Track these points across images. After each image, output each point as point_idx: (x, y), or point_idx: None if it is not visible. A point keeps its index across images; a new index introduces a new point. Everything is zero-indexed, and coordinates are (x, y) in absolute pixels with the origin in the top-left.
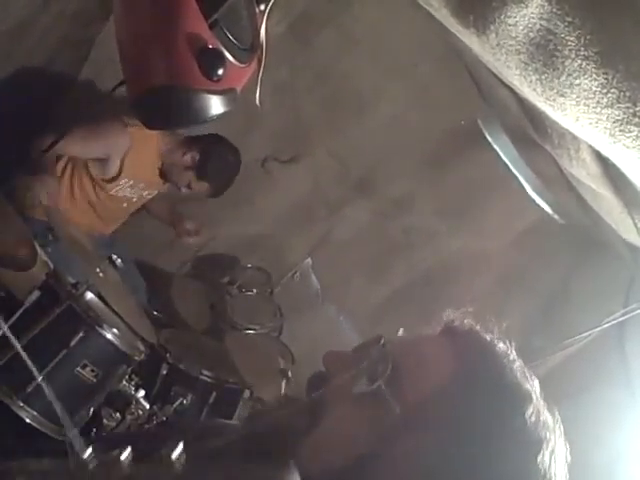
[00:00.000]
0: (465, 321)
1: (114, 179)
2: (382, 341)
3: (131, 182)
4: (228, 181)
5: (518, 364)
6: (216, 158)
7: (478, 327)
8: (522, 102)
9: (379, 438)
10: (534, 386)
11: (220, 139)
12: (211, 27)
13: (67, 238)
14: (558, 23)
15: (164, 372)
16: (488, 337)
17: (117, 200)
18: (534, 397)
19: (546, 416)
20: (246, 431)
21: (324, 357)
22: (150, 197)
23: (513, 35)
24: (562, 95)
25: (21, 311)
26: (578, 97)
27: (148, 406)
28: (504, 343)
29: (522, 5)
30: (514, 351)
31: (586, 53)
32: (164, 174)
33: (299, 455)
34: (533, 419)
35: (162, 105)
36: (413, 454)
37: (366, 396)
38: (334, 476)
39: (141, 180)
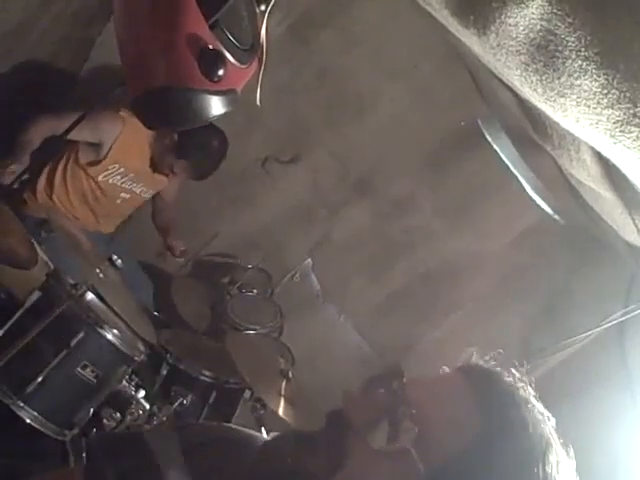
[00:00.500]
0: (485, 363)
1: (102, 161)
2: (403, 380)
3: (121, 170)
4: (211, 163)
5: (538, 408)
6: (195, 138)
7: (498, 369)
8: (522, 102)
9: None
10: (552, 428)
11: (206, 124)
12: (211, 28)
13: (66, 237)
14: (558, 24)
15: (164, 372)
16: (509, 381)
17: (109, 190)
18: (553, 444)
19: (564, 459)
20: (261, 471)
21: (343, 397)
22: (147, 197)
23: (513, 36)
24: (562, 96)
25: (21, 311)
26: (578, 98)
27: (148, 406)
28: (524, 387)
29: (522, 5)
30: (532, 391)
31: (586, 54)
32: (153, 163)
33: None
34: (554, 468)
35: (162, 105)
36: None
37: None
38: None
39: (131, 169)
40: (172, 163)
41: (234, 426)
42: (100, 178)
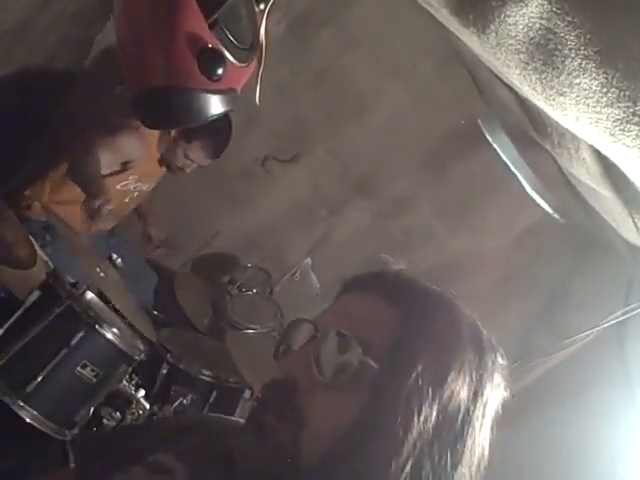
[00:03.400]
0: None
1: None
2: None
3: (136, 176)
4: (223, 134)
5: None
6: None
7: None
8: (522, 102)
9: (372, 396)
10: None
11: None
12: (211, 27)
13: (67, 238)
14: (558, 22)
15: (164, 371)
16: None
17: (121, 195)
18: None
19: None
20: (241, 452)
21: (280, 366)
22: (149, 190)
23: (513, 34)
24: (562, 94)
25: (21, 311)
26: (578, 96)
27: (148, 406)
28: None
29: (522, 4)
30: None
31: (586, 52)
32: (164, 161)
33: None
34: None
35: (162, 105)
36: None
37: (340, 378)
38: (335, 457)
39: (145, 173)
40: (185, 151)
41: (208, 414)
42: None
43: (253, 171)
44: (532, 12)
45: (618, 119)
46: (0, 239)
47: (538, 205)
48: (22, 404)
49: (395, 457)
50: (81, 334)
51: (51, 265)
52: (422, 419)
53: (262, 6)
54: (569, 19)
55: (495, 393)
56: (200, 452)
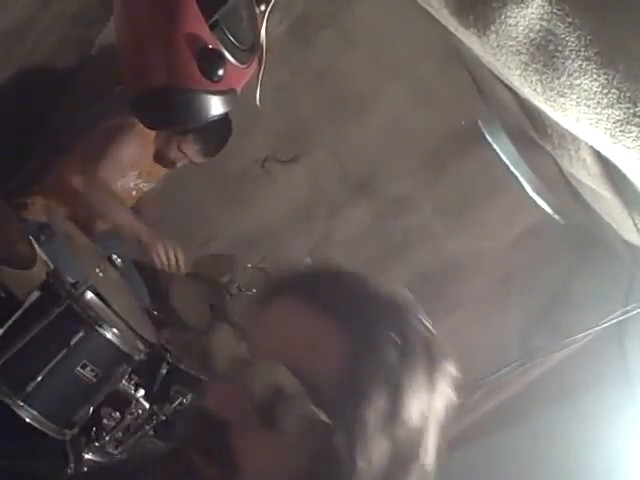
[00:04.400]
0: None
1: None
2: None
3: (136, 173)
4: (218, 137)
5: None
6: None
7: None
8: (522, 102)
9: (320, 443)
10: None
11: None
12: (211, 28)
13: (66, 237)
14: (558, 23)
15: (164, 372)
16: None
17: (121, 192)
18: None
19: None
20: None
21: (210, 397)
22: (147, 189)
23: (513, 35)
24: (562, 95)
25: (21, 311)
26: (578, 97)
27: (148, 406)
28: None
29: (522, 5)
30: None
31: (586, 53)
32: (158, 156)
33: None
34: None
35: (162, 105)
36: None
37: (282, 427)
38: None
39: (144, 171)
40: (179, 143)
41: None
42: (119, 185)
43: (253, 171)
44: (532, 13)
45: (618, 120)
46: (0, 239)
47: (538, 206)
48: (22, 404)
49: None
50: (81, 334)
51: (51, 265)
52: (377, 459)
53: (263, 7)
54: (570, 20)
55: (442, 403)
56: None
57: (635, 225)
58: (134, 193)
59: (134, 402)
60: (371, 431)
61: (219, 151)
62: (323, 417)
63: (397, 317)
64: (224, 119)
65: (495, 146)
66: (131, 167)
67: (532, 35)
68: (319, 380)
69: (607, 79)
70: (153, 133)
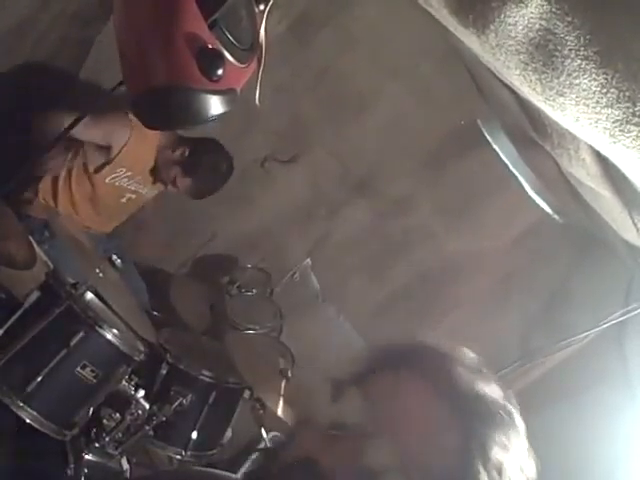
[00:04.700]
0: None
1: (109, 164)
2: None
3: (128, 173)
4: (213, 185)
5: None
6: (207, 158)
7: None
8: (522, 102)
9: None
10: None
11: (217, 145)
12: (211, 27)
13: (66, 237)
14: (558, 23)
15: (164, 372)
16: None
17: (115, 192)
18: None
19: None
20: None
21: (323, 451)
22: (149, 197)
23: (513, 35)
24: (562, 95)
25: (21, 311)
26: (578, 97)
27: (148, 406)
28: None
29: (522, 5)
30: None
31: (586, 53)
32: (154, 171)
33: None
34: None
35: (162, 105)
36: None
37: None
38: None
39: (138, 172)
40: (176, 176)
41: (205, 469)
42: (107, 180)
43: (252, 171)
44: (532, 13)
45: (618, 120)
46: (0, 239)
47: (537, 205)
48: (22, 404)
49: None
50: (81, 334)
51: (51, 265)
52: None
53: (262, 7)
54: (569, 20)
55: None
56: None
57: (634, 224)
58: (123, 200)
59: (134, 403)
60: None
61: (204, 198)
62: None
63: (502, 418)
64: (228, 171)
65: (495, 146)
66: (122, 163)
67: (531, 34)
68: (429, 473)
69: (606, 78)
70: (153, 139)
